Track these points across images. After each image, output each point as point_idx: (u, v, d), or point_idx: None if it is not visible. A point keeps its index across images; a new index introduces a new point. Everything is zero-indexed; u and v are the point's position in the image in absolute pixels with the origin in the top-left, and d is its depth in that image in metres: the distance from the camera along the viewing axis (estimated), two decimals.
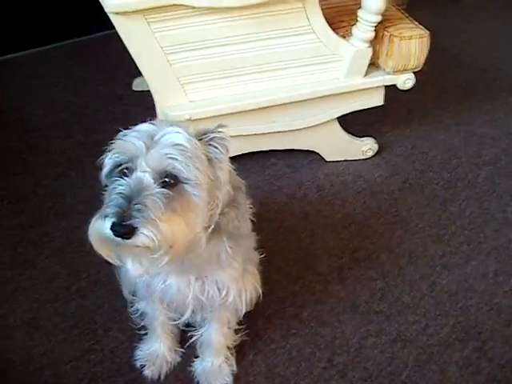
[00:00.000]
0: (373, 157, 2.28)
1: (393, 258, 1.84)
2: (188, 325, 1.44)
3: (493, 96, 2.70)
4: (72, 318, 1.62)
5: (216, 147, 1.09)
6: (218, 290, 1.25)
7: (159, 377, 1.46)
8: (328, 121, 2.09)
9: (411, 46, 1.88)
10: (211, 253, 1.17)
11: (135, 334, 1.52)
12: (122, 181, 1.02)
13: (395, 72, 1.94)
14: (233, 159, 2.05)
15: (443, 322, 1.64)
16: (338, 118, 2.13)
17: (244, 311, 1.35)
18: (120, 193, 1.00)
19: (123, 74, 2.65)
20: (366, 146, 2.22)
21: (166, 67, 1.83)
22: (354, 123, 2.25)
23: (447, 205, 2.09)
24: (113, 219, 0.98)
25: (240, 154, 2.10)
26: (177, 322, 1.37)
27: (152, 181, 1.01)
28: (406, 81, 1.98)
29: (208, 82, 1.90)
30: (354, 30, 1.85)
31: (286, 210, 1.99)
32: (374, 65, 1.97)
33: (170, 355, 1.49)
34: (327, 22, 1.87)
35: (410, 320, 1.65)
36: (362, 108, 2.07)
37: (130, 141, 1.04)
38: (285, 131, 2.05)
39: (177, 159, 1.01)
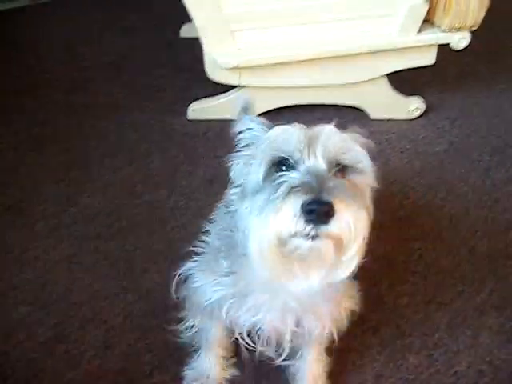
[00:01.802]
0: (419, 117, 2.24)
1: (433, 219, 1.81)
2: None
3: None
4: (111, 256, 1.64)
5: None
6: (315, 322, 1.09)
7: None
8: (377, 77, 2.05)
9: (470, 2, 1.81)
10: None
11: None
12: (295, 172, 0.89)
13: (450, 30, 1.88)
14: (278, 111, 2.07)
15: (480, 288, 1.62)
16: (388, 75, 2.09)
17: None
18: (301, 182, 0.87)
19: (173, 20, 2.64)
20: (414, 106, 2.17)
21: (217, 13, 1.80)
22: (402, 82, 2.21)
23: (492, 171, 2.04)
24: (309, 198, 0.83)
25: (286, 106, 2.09)
26: (274, 362, 1.17)
27: (327, 170, 0.90)
28: (460, 40, 1.92)
29: (258, 31, 1.88)
30: None
31: None
32: (428, 22, 1.92)
33: (223, 375, 1.34)
34: None
35: (447, 283, 1.63)
36: (413, 66, 2.03)
37: (289, 135, 0.93)
38: (333, 85, 2.02)
39: (351, 148, 0.93)
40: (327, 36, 1.91)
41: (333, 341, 1.24)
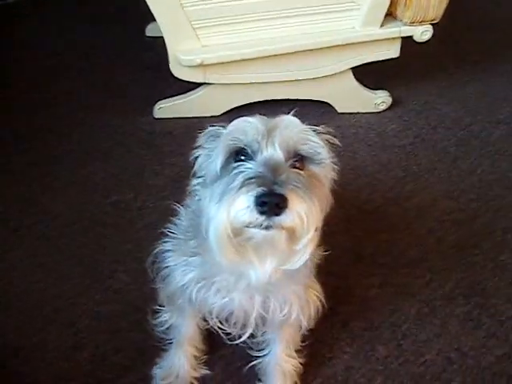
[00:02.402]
0: (385, 110, 2.26)
1: (401, 211, 1.83)
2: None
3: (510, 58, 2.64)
4: (74, 256, 1.62)
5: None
6: (281, 305, 1.11)
7: None
8: (343, 71, 2.06)
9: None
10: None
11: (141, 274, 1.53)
12: (252, 162, 0.92)
13: (412, 23, 1.90)
14: (245, 107, 2.07)
15: (448, 277, 1.64)
16: (353, 69, 2.11)
17: (308, 326, 1.21)
18: (256, 172, 0.89)
19: (138, 19, 2.62)
20: (380, 99, 2.19)
21: (178, 10, 1.80)
22: (368, 75, 2.22)
23: (458, 162, 2.07)
24: (261, 190, 0.85)
25: (253, 102, 2.09)
26: (236, 342, 1.20)
27: (283, 159, 0.92)
28: (423, 33, 1.94)
29: (221, 27, 1.89)
30: None
31: None
32: (391, 15, 1.93)
33: (193, 374, 1.34)
34: None
35: (415, 274, 1.64)
36: (377, 59, 2.05)
37: (247, 125, 0.95)
38: (298, 80, 2.03)
39: (310, 139, 0.96)
40: (292, 31, 1.92)
41: (302, 339, 1.25)
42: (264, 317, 1.12)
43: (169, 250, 1.18)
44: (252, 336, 1.21)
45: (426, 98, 2.37)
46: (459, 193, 1.93)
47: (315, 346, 1.40)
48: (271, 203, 0.85)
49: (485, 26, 2.98)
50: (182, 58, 1.87)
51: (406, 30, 1.94)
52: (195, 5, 1.80)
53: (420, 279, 1.63)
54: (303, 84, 2.05)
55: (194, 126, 2.08)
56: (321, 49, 1.94)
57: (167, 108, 2.08)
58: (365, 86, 2.20)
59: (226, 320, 1.16)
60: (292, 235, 0.90)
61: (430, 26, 1.94)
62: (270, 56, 1.94)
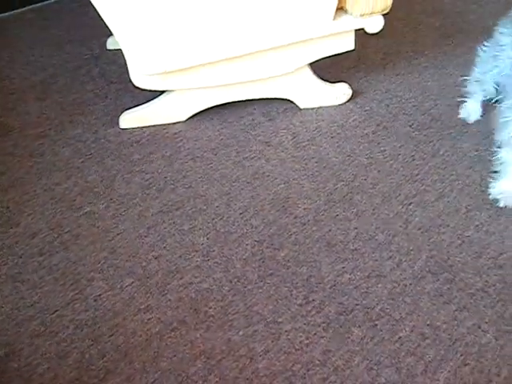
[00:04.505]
0: (347, 102, 2.30)
1: (367, 198, 1.88)
2: None
3: (467, 40, 2.71)
4: (56, 270, 1.66)
5: None
6: None
7: None
8: (300, 67, 2.10)
9: None
10: None
11: (118, 280, 1.56)
12: None
13: (363, 15, 1.95)
14: (210, 109, 2.12)
15: (416, 257, 1.69)
16: (311, 65, 2.15)
17: None
18: None
19: (99, 33, 2.65)
20: (340, 92, 2.24)
21: (131, 19, 1.83)
22: (327, 69, 2.28)
23: (421, 146, 2.12)
24: None
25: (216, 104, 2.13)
26: None
27: None
28: (374, 24, 1.99)
29: (179, 32, 1.91)
30: None
31: (262, 157, 2.02)
32: (342, 9, 1.98)
33: None
34: None
35: (384, 256, 1.69)
36: (333, 53, 2.09)
37: None
38: (257, 80, 2.07)
39: None
40: (248, 32, 1.95)
41: None
42: None
43: None
44: None
45: (387, 87, 2.43)
46: (423, 175, 1.98)
47: (292, 333, 1.45)
48: None
49: (438, 9, 3.06)
50: (141, 67, 1.90)
51: (357, 23, 1.99)
52: (147, 11, 1.83)
53: (390, 261, 1.68)
54: (262, 83, 2.09)
55: (159, 133, 2.13)
56: (276, 47, 1.98)
57: (132, 118, 2.12)
58: (324, 80, 2.25)
59: None
60: None
61: (381, 17, 1.99)
62: (228, 59, 1.97)
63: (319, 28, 1.96)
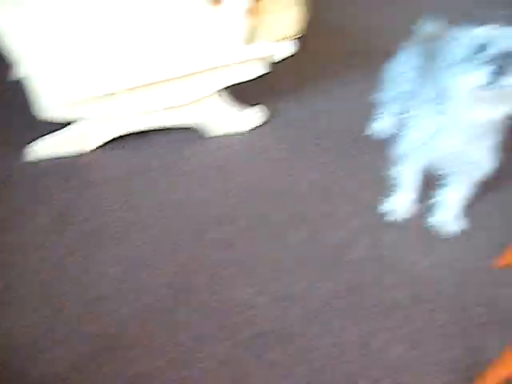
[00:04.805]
0: (259, 127, 2.33)
1: (277, 223, 1.92)
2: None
3: (374, 60, 2.78)
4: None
5: None
6: (478, 155, 1.69)
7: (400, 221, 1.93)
8: (212, 94, 2.12)
9: (285, 16, 1.93)
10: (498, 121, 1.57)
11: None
12: (486, 52, 1.42)
13: (273, 42, 1.99)
14: (120, 138, 2.09)
15: (325, 279, 1.75)
16: (223, 91, 2.17)
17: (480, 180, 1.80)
18: (492, 56, 1.40)
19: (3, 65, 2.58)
20: (252, 117, 2.28)
21: (40, 48, 1.81)
22: (240, 94, 2.30)
23: (331, 167, 2.18)
24: (493, 65, 1.40)
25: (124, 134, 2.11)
26: (435, 173, 1.86)
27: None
28: (283, 50, 2.03)
29: (86, 63, 1.89)
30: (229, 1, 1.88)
31: (174, 186, 2.02)
32: (252, 36, 2.01)
33: (410, 208, 1.97)
34: None
35: (294, 279, 1.75)
36: (244, 79, 2.11)
37: (484, 31, 1.45)
38: (168, 108, 2.07)
39: None
40: (158, 60, 1.95)
41: None
42: (463, 159, 1.71)
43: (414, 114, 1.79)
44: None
45: (298, 110, 2.48)
46: (333, 196, 2.06)
47: (208, 360, 1.46)
48: (498, 71, 1.41)
49: (347, 34, 3.16)
50: (50, 96, 1.87)
51: (267, 49, 2.02)
52: (50, 40, 1.80)
53: (300, 284, 1.72)
54: (174, 111, 2.09)
55: (68, 163, 2.07)
56: (186, 75, 1.99)
57: (39, 149, 2.06)
58: (237, 105, 2.27)
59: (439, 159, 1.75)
60: (506, 94, 1.46)
61: (291, 43, 2.04)
62: (134, 88, 1.96)
63: (231, 55, 1.99)
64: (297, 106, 2.51)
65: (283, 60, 2.14)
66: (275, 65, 2.16)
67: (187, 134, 2.23)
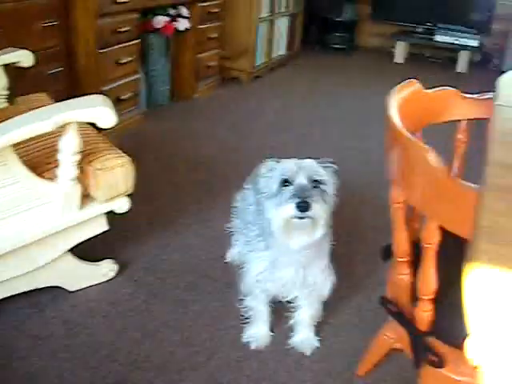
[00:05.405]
0: (115, 277, 2.37)
1: (141, 373, 1.92)
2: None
3: (226, 189, 2.94)
4: None
5: (327, 171, 1.74)
6: (312, 276, 1.88)
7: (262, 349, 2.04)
8: (61, 255, 2.15)
9: (115, 175, 2.02)
10: (320, 241, 1.77)
11: None
12: (291, 187, 1.67)
13: (108, 200, 2.07)
14: None
15: None
16: (72, 249, 2.20)
17: (326, 298, 1.98)
18: (294, 191, 1.65)
19: None
20: (105, 269, 2.31)
21: None
22: (92, 248, 2.34)
23: (190, 306, 2.24)
24: (298, 200, 1.63)
25: None
26: (283, 299, 2.02)
27: (307, 184, 1.67)
28: (121, 206, 2.11)
29: None
30: (58, 171, 1.95)
31: (33, 354, 1.99)
32: (88, 196, 2.08)
33: (268, 335, 2.09)
34: (35, 166, 1.97)
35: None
36: (88, 237, 2.17)
37: (288, 166, 1.70)
38: (19, 275, 2.07)
39: (320, 171, 1.71)
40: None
41: None
42: (302, 284, 1.89)
43: (248, 251, 1.99)
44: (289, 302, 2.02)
45: (154, 252, 2.56)
46: (194, 336, 2.09)
47: None
48: (303, 206, 1.63)
49: (201, 163, 3.32)
50: None
51: (105, 207, 2.10)
52: None
53: None
54: (26, 277, 2.09)
55: None
56: (31, 243, 2.02)
57: None
58: (90, 259, 2.31)
59: (281, 288, 1.93)
60: (314, 222, 1.67)
61: (126, 198, 2.13)
62: None
63: (69, 220, 2.04)
64: (152, 248, 2.59)
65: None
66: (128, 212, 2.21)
67: (45, 295, 2.22)
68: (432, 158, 1.11)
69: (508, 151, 1.18)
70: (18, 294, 2.17)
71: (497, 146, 1.19)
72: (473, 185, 1.06)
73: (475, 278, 0.75)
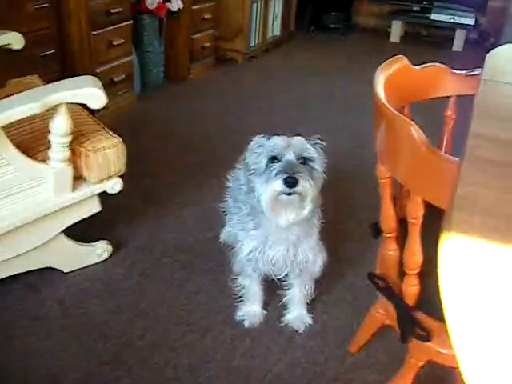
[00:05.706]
0: (110, 257, 2.38)
1: (136, 352, 1.95)
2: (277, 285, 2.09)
3: (219, 171, 2.94)
4: None
5: (316, 148, 1.74)
6: (303, 254, 1.90)
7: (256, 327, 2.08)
8: (55, 236, 2.16)
9: (107, 155, 2.03)
10: (308, 219, 1.81)
11: None
12: (279, 163, 1.68)
13: (100, 181, 2.08)
14: None
15: None
16: (66, 230, 2.22)
17: (318, 275, 2.02)
18: (282, 167, 1.66)
19: None
20: (99, 250, 2.33)
21: None
22: (86, 229, 2.35)
23: (185, 285, 2.26)
24: (285, 176, 1.63)
25: None
26: (275, 278, 2.03)
27: (296, 160, 1.68)
28: (113, 186, 2.12)
29: None
30: (50, 152, 1.96)
31: (31, 333, 2.01)
32: (81, 178, 2.09)
33: (261, 313, 2.12)
34: (26, 149, 1.97)
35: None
36: (82, 218, 2.18)
37: (277, 143, 1.70)
38: (14, 257, 2.09)
39: (308, 147, 1.71)
40: None
41: None
42: (293, 262, 1.91)
43: (238, 230, 2.00)
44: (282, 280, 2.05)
45: (149, 232, 2.58)
46: (189, 315, 2.11)
47: None
48: (291, 181, 1.64)
49: (196, 149, 3.33)
50: None
51: (97, 188, 2.11)
52: None
53: None
54: (21, 258, 2.11)
55: None
56: (25, 224, 2.03)
57: None
58: (84, 240, 2.32)
59: (272, 266, 1.93)
60: (301, 198, 1.69)
61: (119, 178, 2.13)
62: None
63: (61, 201, 2.05)
64: (147, 228, 2.61)
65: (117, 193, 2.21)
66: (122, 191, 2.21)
67: (41, 276, 2.24)
68: (414, 131, 1.12)
69: (490, 125, 1.19)
70: (14, 276, 2.18)
71: (479, 119, 1.20)
72: (454, 157, 1.07)
73: (450, 249, 0.76)
